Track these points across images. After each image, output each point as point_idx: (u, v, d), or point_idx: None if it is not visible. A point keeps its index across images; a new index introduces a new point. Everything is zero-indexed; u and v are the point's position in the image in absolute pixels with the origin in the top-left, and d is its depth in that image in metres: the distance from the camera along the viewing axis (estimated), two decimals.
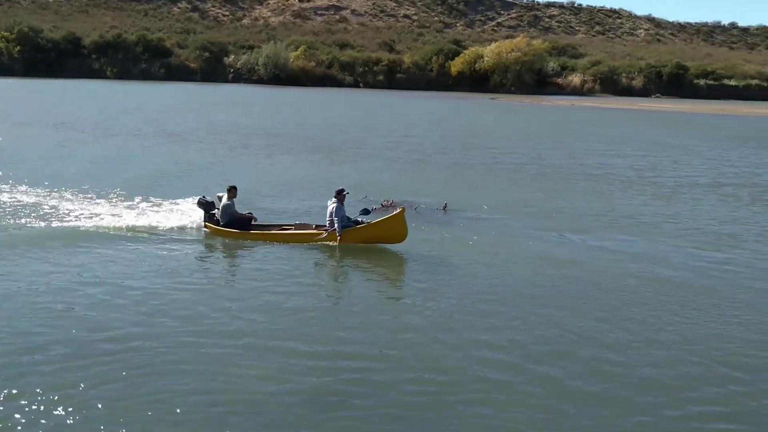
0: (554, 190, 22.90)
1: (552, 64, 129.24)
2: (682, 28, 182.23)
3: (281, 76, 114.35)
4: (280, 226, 15.45)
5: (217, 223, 15.21)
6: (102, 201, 17.98)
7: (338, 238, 14.16)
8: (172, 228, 15.54)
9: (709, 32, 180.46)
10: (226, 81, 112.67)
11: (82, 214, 16.46)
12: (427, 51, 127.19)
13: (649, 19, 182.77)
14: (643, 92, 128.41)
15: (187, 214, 16.37)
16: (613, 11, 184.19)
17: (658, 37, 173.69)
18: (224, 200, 15.07)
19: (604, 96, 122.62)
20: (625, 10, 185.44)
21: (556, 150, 35.11)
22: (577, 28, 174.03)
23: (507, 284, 12.41)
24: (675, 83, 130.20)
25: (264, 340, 9.47)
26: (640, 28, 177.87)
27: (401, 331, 10.00)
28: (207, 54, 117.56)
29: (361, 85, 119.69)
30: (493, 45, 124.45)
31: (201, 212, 15.57)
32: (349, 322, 10.35)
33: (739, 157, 34.39)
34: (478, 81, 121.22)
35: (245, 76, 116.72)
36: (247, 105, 61.90)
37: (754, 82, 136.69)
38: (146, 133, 36.36)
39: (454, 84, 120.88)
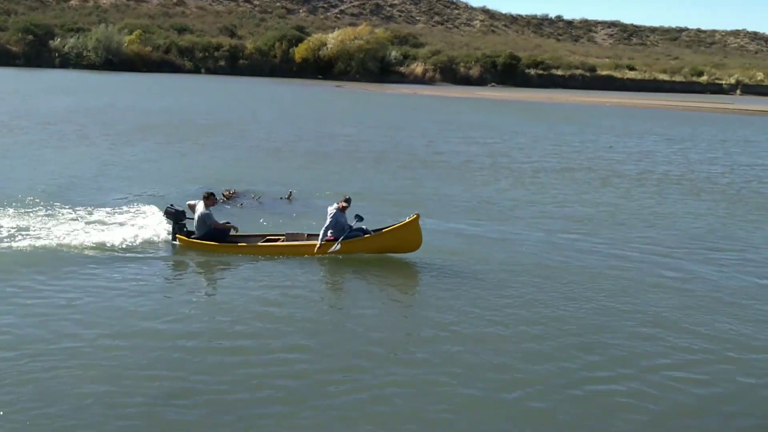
0: (403, 176, 23.15)
1: (394, 53, 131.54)
2: (514, 20, 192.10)
3: (114, 61, 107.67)
4: (263, 236, 13.85)
5: (188, 234, 13.49)
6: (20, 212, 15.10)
7: (318, 247, 12.90)
8: (133, 244, 13.27)
9: (539, 24, 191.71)
10: (52, 66, 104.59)
11: None
12: (270, 37, 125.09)
13: (484, 11, 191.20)
14: (480, 81, 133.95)
15: (145, 226, 14.20)
16: (450, 2, 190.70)
17: (492, 28, 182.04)
18: (200, 209, 13.29)
19: (444, 85, 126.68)
20: (462, 2, 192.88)
21: (403, 137, 35.68)
22: (417, 18, 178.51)
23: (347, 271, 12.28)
24: (508, 72, 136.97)
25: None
26: (476, 19, 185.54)
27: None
28: (30, 37, 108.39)
29: (202, 71, 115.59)
30: (337, 32, 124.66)
31: (154, 221, 14.20)
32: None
33: (581, 142, 36.67)
34: (322, 68, 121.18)
35: (74, 62, 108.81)
36: (73, 91, 57.68)
37: (578, 72, 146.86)
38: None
39: (298, 71, 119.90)
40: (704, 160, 31.64)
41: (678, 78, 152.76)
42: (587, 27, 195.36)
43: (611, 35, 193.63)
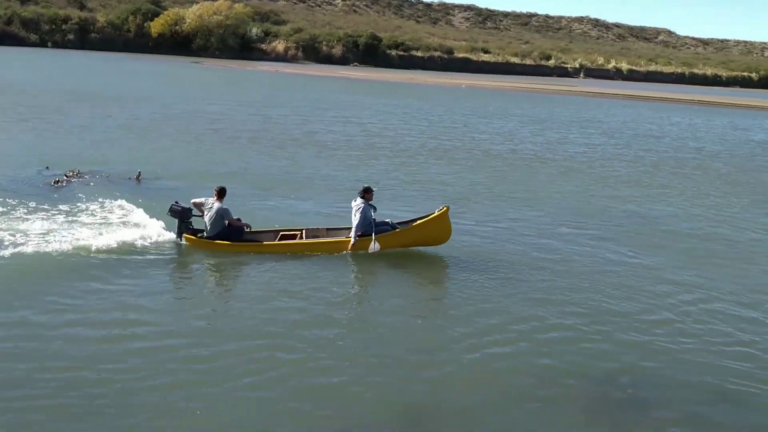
0: (281, 156, 22.82)
1: (255, 30, 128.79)
2: (375, 0, 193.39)
3: None
4: (276, 233, 12.84)
5: (193, 233, 12.35)
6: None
7: (351, 245, 12.16)
8: (134, 246, 11.98)
9: (399, 6, 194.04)
10: None
11: None
12: (124, 10, 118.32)
13: None
14: (343, 60, 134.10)
15: (141, 225, 12.96)
16: None
17: (354, 8, 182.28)
18: (215, 205, 12.17)
19: (307, 63, 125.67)
20: None
21: (276, 116, 35.09)
22: None
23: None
24: (370, 53, 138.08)
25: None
26: None
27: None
28: None
29: (48, 44, 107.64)
30: (195, 7, 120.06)
31: (152, 222, 12.79)
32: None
33: (451, 122, 37.63)
34: (180, 44, 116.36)
35: None
36: None
37: (437, 53, 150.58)
38: None
39: (154, 46, 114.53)
40: (562, 139, 33.54)
41: (528, 61, 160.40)
42: (445, 10, 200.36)
43: (467, 18, 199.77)
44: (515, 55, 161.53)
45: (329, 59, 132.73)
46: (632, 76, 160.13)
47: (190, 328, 9.04)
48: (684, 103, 78.74)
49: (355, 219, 12.21)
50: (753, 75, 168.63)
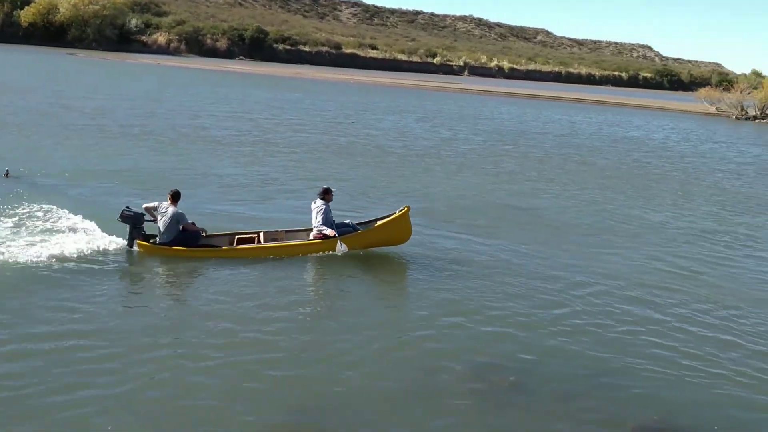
0: (173, 153, 21.89)
1: (135, 21, 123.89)
2: None
3: None
4: (231, 236, 12.25)
5: (145, 239, 11.64)
6: None
7: (338, 244, 11.90)
8: (82, 254, 11.07)
9: (286, 0, 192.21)
10: None
11: None
12: None
13: None
14: (228, 54, 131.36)
15: (88, 232, 11.98)
16: None
17: (239, 1, 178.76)
18: (170, 209, 11.54)
19: (190, 56, 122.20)
20: None
21: (163, 111, 33.71)
22: None
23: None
24: (256, 46, 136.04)
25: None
26: None
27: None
28: None
29: None
30: None
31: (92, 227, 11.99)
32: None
33: (344, 118, 37.44)
34: (53, 34, 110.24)
35: None
36: None
37: (324, 48, 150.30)
38: None
39: (25, 36, 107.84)
40: (454, 136, 34.20)
41: (415, 58, 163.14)
42: (332, 5, 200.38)
43: (355, 14, 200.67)
44: (402, 52, 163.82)
45: (214, 53, 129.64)
46: (513, 74, 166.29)
47: (149, 339, 8.54)
48: (563, 101, 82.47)
49: (316, 220, 12.08)
50: (623, 74, 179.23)
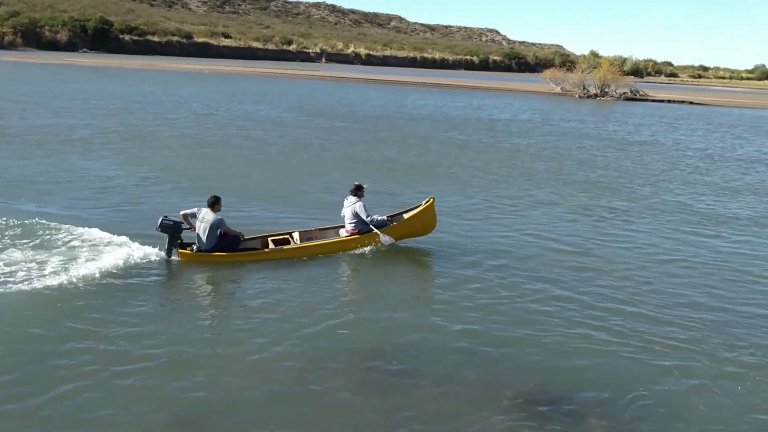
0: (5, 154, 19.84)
1: None
2: None
3: None
4: (264, 238, 12.17)
5: (182, 247, 11.33)
6: None
7: (380, 235, 12.22)
8: (121, 270, 10.48)
9: None
10: None
11: None
12: None
13: None
14: (70, 47, 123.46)
15: (126, 246, 11.34)
16: None
17: None
18: (209, 216, 11.28)
19: (28, 50, 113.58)
20: None
21: (12, 110, 30.68)
22: None
23: None
24: (101, 38, 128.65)
25: None
26: None
27: None
28: None
29: None
30: None
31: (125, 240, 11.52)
32: None
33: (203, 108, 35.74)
34: None
35: None
36: None
37: (175, 38, 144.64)
38: None
39: None
40: (331, 126, 33.68)
41: (271, 46, 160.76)
42: None
43: (205, 2, 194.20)
44: (257, 39, 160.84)
45: (54, 46, 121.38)
46: (370, 60, 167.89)
47: (211, 349, 8.29)
48: (423, 86, 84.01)
49: (351, 215, 12.31)
50: (474, 58, 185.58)
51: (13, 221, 12.30)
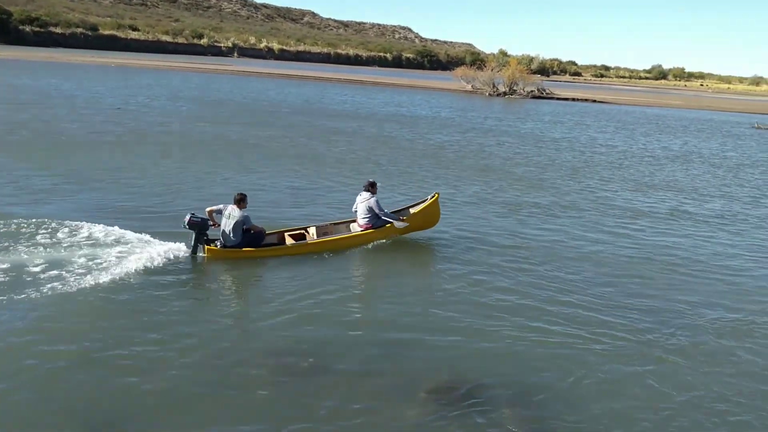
0: None
1: None
2: None
3: None
4: (281, 233, 12.58)
5: (208, 243, 11.58)
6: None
7: (395, 222, 12.96)
8: (150, 269, 10.61)
9: None
10: None
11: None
12: None
13: None
14: None
15: (151, 244, 11.58)
16: None
17: None
18: (235, 213, 11.55)
19: None
20: None
21: None
22: None
23: None
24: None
25: None
26: None
27: None
28: None
29: None
30: None
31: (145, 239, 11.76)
32: None
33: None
34: None
35: None
36: None
37: (79, 30, 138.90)
38: None
39: None
40: (256, 120, 33.30)
41: (181, 40, 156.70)
42: None
43: None
44: (166, 33, 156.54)
45: None
46: (283, 55, 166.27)
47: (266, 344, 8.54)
48: (338, 82, 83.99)
49: (365, 210, 12.80)
50: (387, 55, 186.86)
51: None
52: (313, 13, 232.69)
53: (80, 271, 10.22)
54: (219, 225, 11.66)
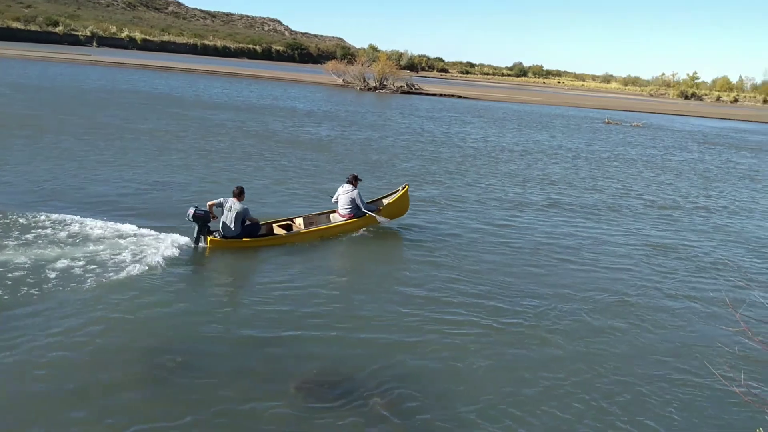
0: None
1: None
2: None
3: None
4: (269, 224, 13.38)
5: (209, 234, 12.32)
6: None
7: (377, 217, 14.17)
8: (156, 261, 10.95)
9: None
10: None
11: None
12: None
13: None
14: None
15: (158, 238, 12.02)
16: None
17: None
18: (236, 205, 12.31)
19: None
20: None
21: None
22: None
23: None
24: None
25: None
26: None
27: None
28: None
29: None
30: None
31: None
32: None
33: None
34: None
35: None
36: None
37: None
38: None
39: None
40: (117, 114, 31.97)
41: (33, 27, 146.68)
42: None
43: None
44: (17, 19, 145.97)
45: None
46: (147, 46, 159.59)
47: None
48: (206, 73, 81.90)
49: (347, 201, 13.96)
50: (257, 48, 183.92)
51: None
52: (178, 2, 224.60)
53: None
54: (217, 218, 12.39)
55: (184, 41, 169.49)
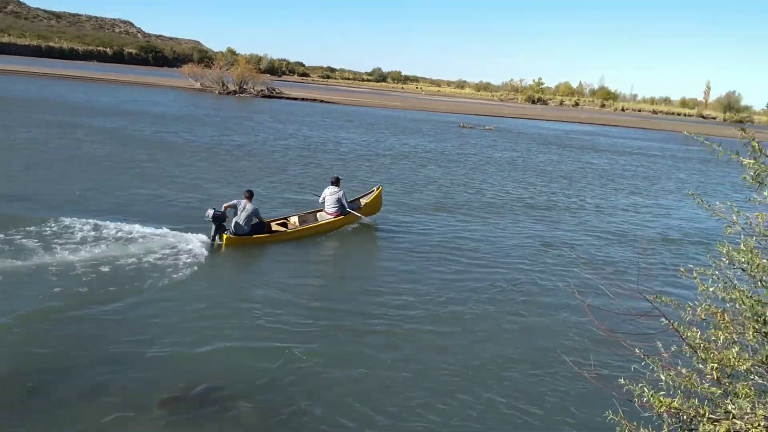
0: None
1: None
2: None
3: None
4: (267, 223, 14.61)
5: (223, 232, 13.72)
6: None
7: (359, 215, 15.95)
8: (181, 258, 12.18)
9: None
10: None
11: None
12: None
13: None
14: None
15: (177, 237, 13.35)
16: None
17: None
18: (248, 206, 13.96)
19: None
20: None
21: None
22: None
23: None
24: None
25: None
26: None
27: None
28: None
29: None
30: None
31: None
32: None
33: None
34: None
35: None
36: None
37: None
38: None
39: None
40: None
41: None
42: None
43: None
44: None
45: None
46: None
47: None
48: (49, 77, 77.44)
49: (333, 201, 15.62)
50: (108, 50, 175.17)
51: None
52: (19, 2, 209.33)
53: None
54: (229, 218, 13.83)
55: (27, 43, 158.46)
